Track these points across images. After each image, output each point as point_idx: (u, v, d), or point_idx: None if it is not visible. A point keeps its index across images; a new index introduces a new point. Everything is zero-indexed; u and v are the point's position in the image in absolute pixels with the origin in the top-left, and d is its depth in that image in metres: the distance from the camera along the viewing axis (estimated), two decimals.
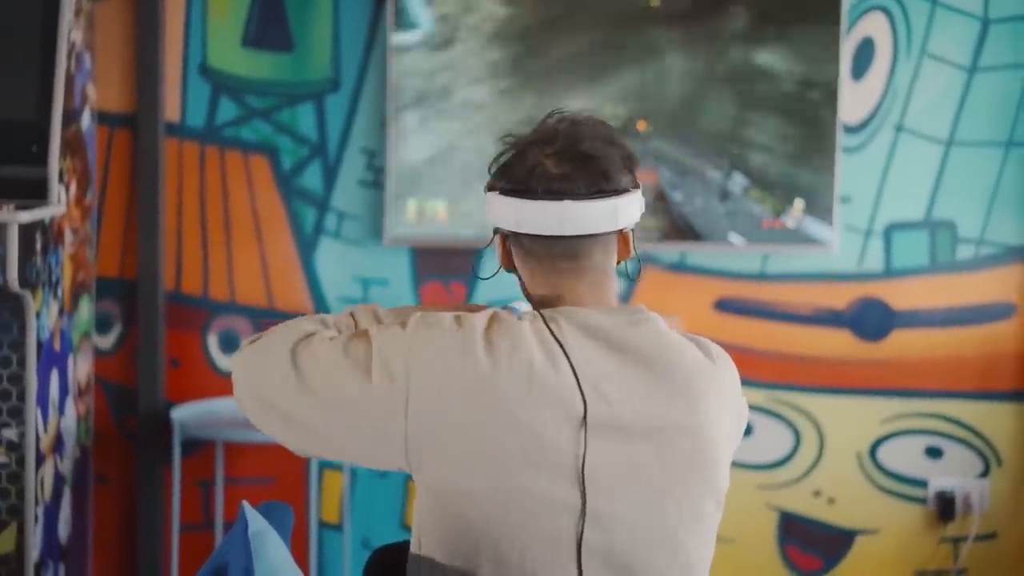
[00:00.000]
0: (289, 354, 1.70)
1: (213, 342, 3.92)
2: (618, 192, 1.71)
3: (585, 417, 1.62)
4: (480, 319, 1.68)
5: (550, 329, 1.66)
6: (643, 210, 1.77)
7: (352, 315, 1.81)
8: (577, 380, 1.63)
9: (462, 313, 1.71)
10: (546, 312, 1.70)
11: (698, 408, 1.68)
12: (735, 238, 3.79)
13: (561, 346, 1.65)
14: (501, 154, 1.78)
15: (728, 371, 1.75)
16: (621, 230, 1.74)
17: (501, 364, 1.62)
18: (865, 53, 3.85)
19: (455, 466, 1.63)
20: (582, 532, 1.63)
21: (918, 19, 3.83)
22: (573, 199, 1.69)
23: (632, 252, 1.77)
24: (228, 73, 3.87)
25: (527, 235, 1.74)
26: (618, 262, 1.79)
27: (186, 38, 3.86)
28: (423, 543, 1.71)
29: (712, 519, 1.72)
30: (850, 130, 3.85)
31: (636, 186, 1.76)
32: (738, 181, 3.78)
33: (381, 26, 3.82)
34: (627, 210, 1.72)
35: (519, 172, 1.73)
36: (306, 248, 3.90)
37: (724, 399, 1.72)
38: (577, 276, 1.74)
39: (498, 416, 1.62)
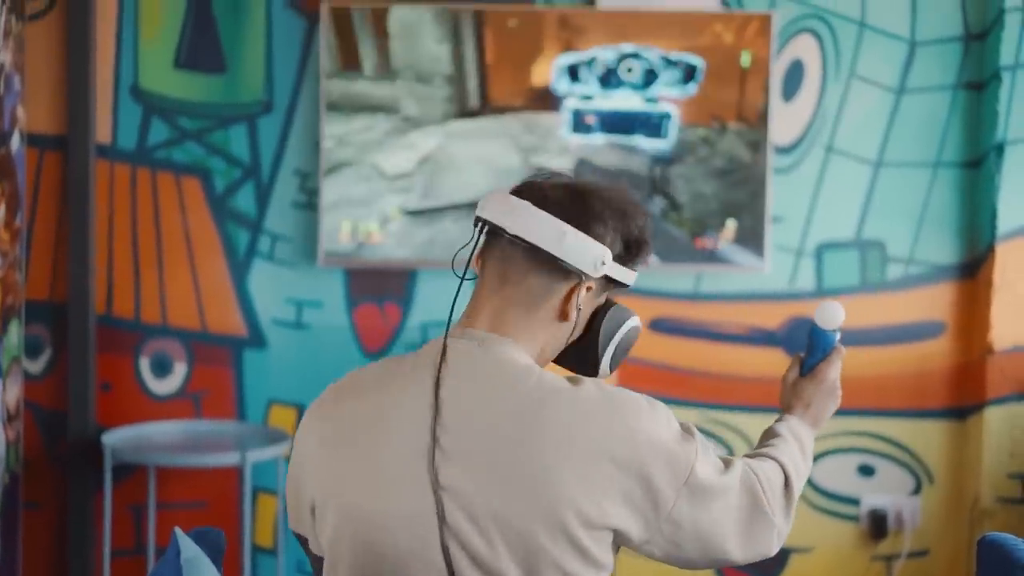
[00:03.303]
0: None
1: (145, 366, 3.89)
2: (579, 227, 1.70)
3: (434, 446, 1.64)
4: None
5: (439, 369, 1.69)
6: (600, 277, 1.73)
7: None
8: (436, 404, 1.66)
9: None
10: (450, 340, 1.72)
11: (527, 436, 1.61)
12: (652, 260, 3.81)
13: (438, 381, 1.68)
14: (541, 170, 1.82)
15: (591, 404, 1.64)
16: (574, 287, 1.72)
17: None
18: (795, 75, 3.89)
19: None
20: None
21: (846, 41, 3.88)
22: (534, 203, 1.70)
23: (569, 318, 1.74)
24: (160, 95, 3.85)
25: (487, 233, 1.75)
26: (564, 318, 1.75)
27: (117, 59, 3.84)
28: None
29: (565, 555, 1.61)
30: (781, 151, 3.89)
31: (614, 253, 1.73)
32: (657, 203, 3.81)
33: (314, 48, 3.82)
34: (577, 247, 1.69)
35: (524, 179, 1.78)
36: (239, 270, 3.89)
37: (566, 429, 1.62)
38: (499, 287, 1.74)
39: None
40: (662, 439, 1.65)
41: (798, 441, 1.94)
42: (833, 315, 1.99)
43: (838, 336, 2.02)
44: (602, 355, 1.80)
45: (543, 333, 1.74)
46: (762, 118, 3.79)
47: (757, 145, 3.80)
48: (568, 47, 3.79)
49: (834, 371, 2.02)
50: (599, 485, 1.61)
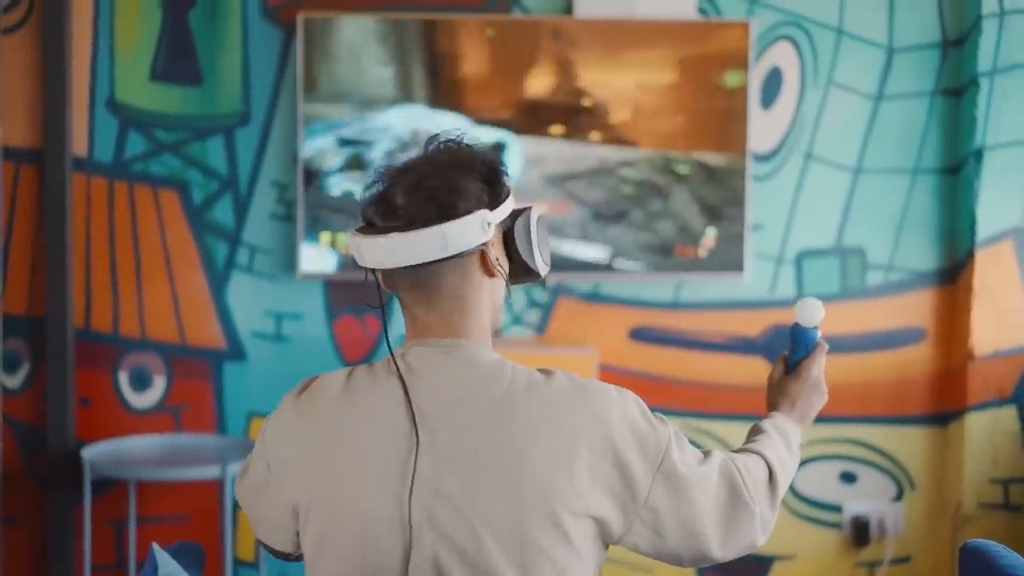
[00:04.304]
0: None
1: (124, 380, 3.87)
2: (449, 217, 1.70)
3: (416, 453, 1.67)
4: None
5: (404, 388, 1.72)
6: (495, 226, 1.73)
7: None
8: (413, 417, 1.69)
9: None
10: (398, 353, 1.76)
11: (506, 431, 1.66)
12: (633, 267, 3.81)
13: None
14: (367, 187, 1.78)
15: (563, 395, 1.69)
16: (483, 252, 1.74)
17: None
18: (773, 82, 3.89)
19: None
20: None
21: (824, 49, 3.88)
22: (399, 231, 1.70)
23: (496, 274, 1.77)
24: (136, 107, 3.84)
25: (380, 270, 1.76)
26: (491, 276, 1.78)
27: (93, 72, 3.82)
28: None
29: (553, 543, 1.64)
30: (760, 159, 3.89)
31: (492, 205, 1.74)
32: (635, 213, 3.81)
33: (291, 59, 3.80)
34: (460, 234, 1.70)
35: (365, 208, 1.77)
36: (218, 283, 3.87)
37: (543, 422, 1.66)
38: (428, 306, 1.76)
39: None
40: (631, 423, 1.70)
41: (783, 437, 1.96)
42: (812, 312, 2.01)
43: (819, 332, 2.04)
44: (533, 263, 1.81)
45: (486, 302, 1.79)
46: (741, 126, 3.79)
47: (736, 153, 3.79)
48: (551, 54, 3.78)
49: (817, 367, 2.04)
50: (578, 473, 1.65)
